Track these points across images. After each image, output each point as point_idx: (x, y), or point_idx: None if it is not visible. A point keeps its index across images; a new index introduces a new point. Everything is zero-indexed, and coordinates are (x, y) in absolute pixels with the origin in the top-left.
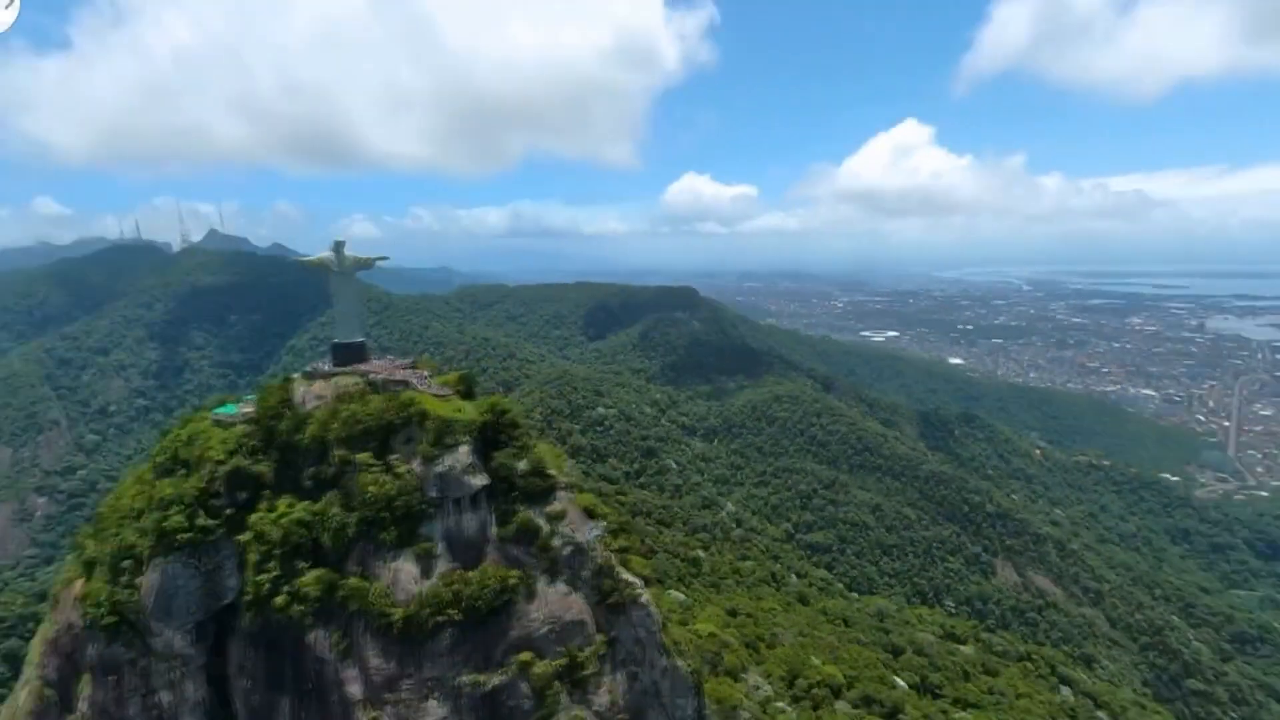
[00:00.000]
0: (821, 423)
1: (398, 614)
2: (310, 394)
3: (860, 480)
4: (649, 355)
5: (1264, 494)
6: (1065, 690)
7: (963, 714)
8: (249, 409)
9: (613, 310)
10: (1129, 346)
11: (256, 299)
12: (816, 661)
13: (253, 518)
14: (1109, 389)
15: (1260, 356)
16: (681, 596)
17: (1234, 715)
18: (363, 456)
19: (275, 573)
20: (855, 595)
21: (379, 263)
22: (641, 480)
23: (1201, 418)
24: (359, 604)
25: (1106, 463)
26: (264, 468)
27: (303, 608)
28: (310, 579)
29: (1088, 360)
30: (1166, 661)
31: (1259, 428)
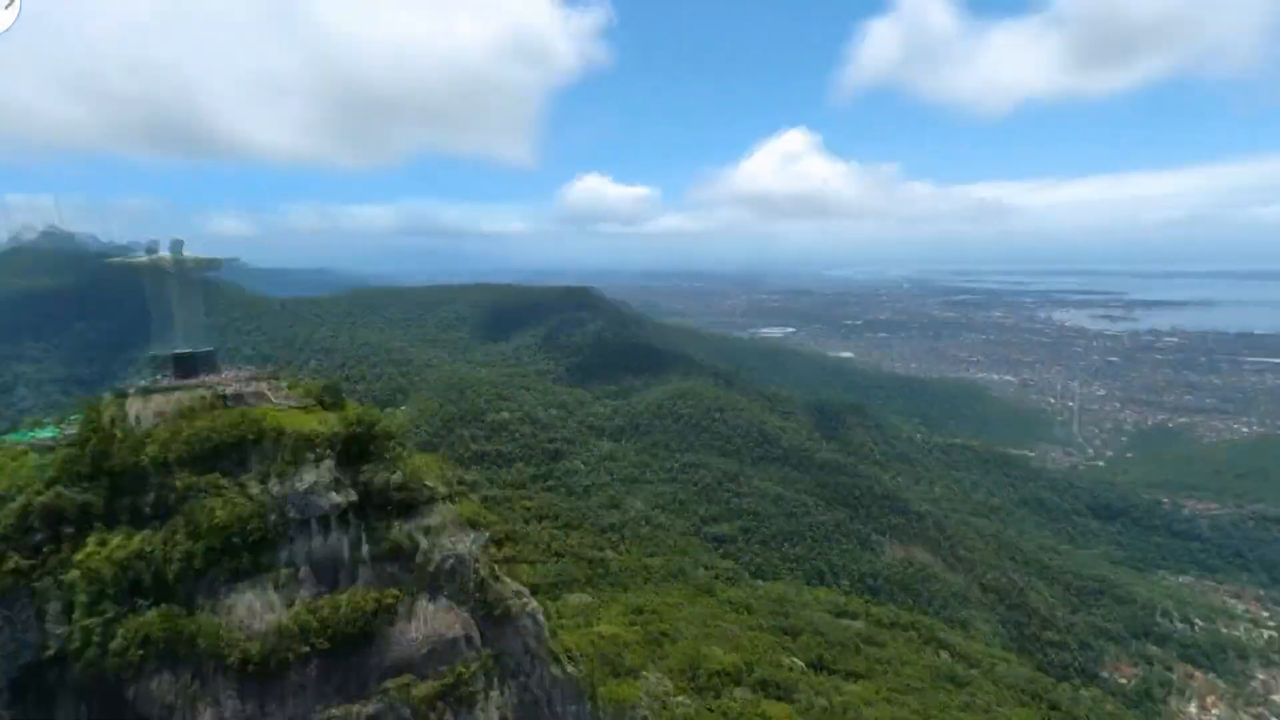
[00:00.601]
0: (723, 418)
1: (253, 649)
2: (147, 411)
3: (761, 471)
4: (552, 357)
5: (1100, 464)
6: (943, 654)
7: (851, 686)
8: (73, 431)
9: (513, 312)
10: (991, 337)
11: (106, 303)
12: (718, 651)
13: (79, 555)
14: (976, 376)
15: (1094, 344)
16: (587, 598)
17: (1081, 659)
18: (209, 478)
19: (108, 615)
20: (759, 582)
21: (229, 262)
22: (549, 483)
23: (1050, 399)
24: (208, 642)
25: (975, 443)
26: (92, 497)
27: (143, 652)
28: (151, 619)
29: (956, 350)
30: (1026, 618)
31: (1094, 406)
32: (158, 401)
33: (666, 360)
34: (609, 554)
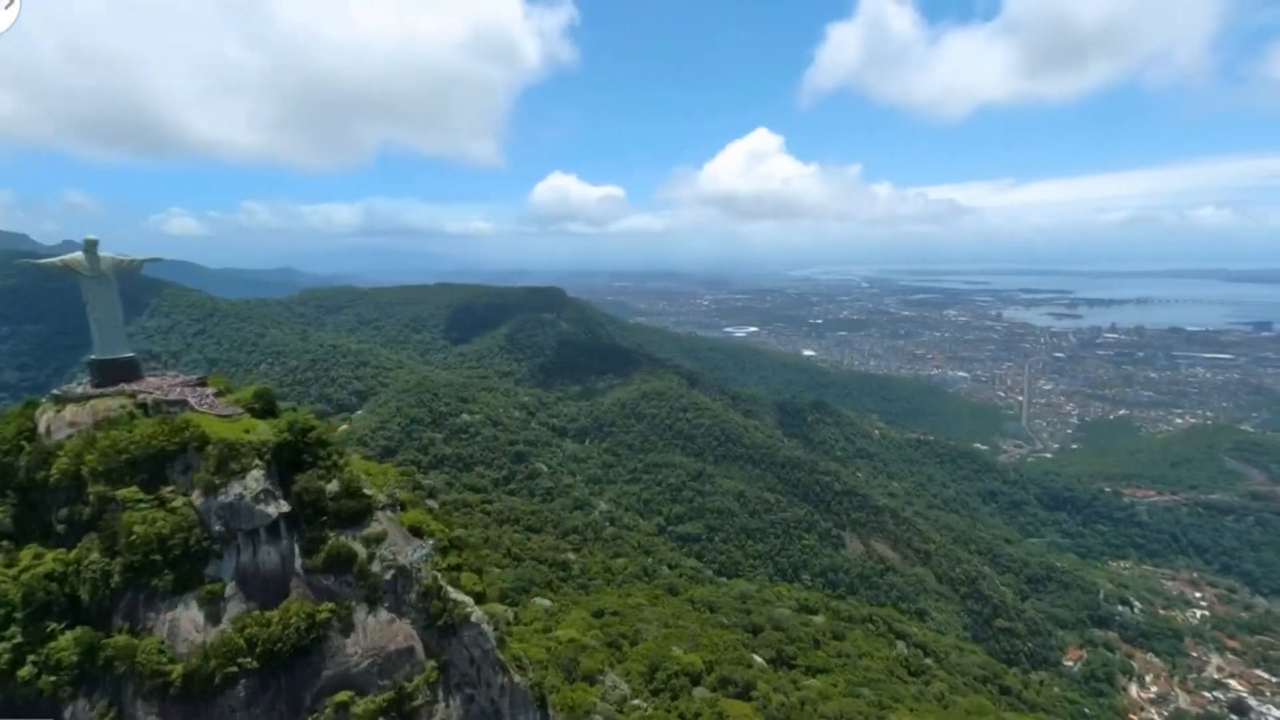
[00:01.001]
0: (688, 417)
1: (176, 671)
2: (61, 421)
3: (725, 470)
4: (517, 358)
5: (1048, 455)
6: (900, 644)
7: (811, 680)
8: None
9: (478, 312)
10: (946, 335)
11: (39, 306)
12: (678, 651)
13: None
14: (932, 372)
15: (1042, 341)
16: (548, 603)
17: (1031, 645)
18: (127, 491)
19: (17, 639)
20: (723, 580)
21: (149, 262)
22: (512, 486)
23: (1002, 394)
24: (127, 665)
25: (931, 438)
26: None
27: (56, 677)
28: (65, 642)
29: (915, 348)
30: (980, 606)
31: (1042, 400)
32: (71, 411)
33: (632, 360)
34: (571, 557)
